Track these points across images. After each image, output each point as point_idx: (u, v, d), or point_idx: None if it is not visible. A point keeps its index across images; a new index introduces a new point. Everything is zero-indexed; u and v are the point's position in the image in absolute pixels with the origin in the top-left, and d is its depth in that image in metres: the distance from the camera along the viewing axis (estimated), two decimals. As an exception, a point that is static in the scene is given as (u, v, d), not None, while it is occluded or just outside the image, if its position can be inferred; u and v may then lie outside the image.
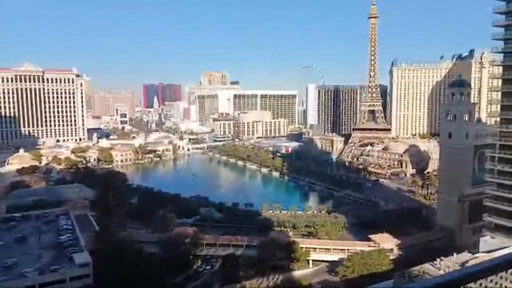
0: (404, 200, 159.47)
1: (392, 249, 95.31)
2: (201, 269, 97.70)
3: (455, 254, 70.44)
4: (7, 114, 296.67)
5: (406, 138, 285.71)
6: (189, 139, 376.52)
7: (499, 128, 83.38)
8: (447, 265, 65.96)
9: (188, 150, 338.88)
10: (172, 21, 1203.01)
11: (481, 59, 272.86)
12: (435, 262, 68.16)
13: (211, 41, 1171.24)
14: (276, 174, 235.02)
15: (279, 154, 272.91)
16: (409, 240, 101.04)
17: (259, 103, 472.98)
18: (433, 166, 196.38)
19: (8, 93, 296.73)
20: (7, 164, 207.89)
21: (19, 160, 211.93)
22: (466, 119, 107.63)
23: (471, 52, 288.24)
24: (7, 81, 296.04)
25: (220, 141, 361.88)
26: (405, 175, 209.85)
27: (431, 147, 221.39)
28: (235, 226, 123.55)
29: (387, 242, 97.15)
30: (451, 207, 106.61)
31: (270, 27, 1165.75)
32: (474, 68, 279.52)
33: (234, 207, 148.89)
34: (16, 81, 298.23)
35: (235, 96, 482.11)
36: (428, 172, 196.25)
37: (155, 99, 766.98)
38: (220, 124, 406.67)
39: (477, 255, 70.60)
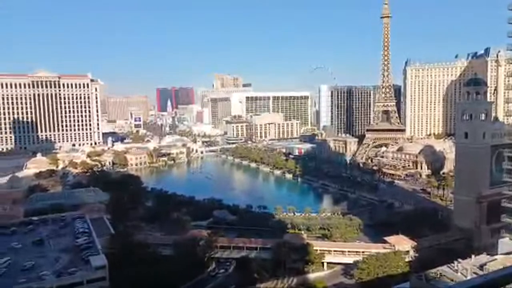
0: (419, 201, 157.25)
1: (408, 251, 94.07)
2: (216, 271, 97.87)
3: (473, 256, 69.10)
4: (25, 119, 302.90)
5: (421, 139, 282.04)
6: (202, 142, 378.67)
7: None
8: (465, 267, 64.73)
9: (202, 152, 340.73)
10: (184, 24, 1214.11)
11: (497, 57, 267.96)
12: (452, 264, 66.94)
13: (223, 44, 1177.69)
14: (289, 176, 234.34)
15: (292, 156, 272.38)
16: (426, 241, 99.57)
17: (271, 105, 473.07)
18: (449, 166, 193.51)
19: (25, 98, 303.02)
20: (25, 168, 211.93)
21: (36, 165, 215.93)
22: (483, 118, 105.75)
23: (487, 50, 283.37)
24: (24, 87, 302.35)
25: (233, 143, 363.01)
26: (420, 176, 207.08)
27: (447, 147, 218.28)
28: (249, 228, 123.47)
29: (402, 244, 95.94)
30: (468, 208, 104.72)
31: (282, 28, 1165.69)
32: (490, 67, 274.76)
33: (248, 209, 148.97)
34: (33, 86, 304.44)
35: (247, 98, 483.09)
36: (443, 173, 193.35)
37: (169, 102, 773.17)
38: (233, 126, 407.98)
39: (495, 257, 69.10)
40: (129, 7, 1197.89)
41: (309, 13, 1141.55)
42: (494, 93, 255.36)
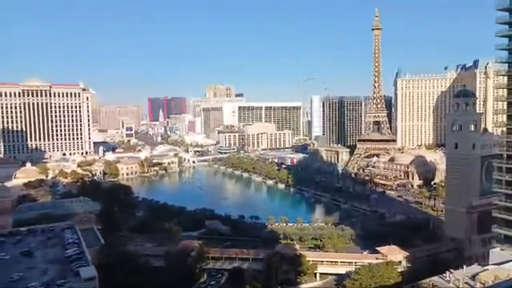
0: (411, 211, 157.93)
1: (400, 262, 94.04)
2: (207, 283, 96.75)
3: (465, 266, 69.35)
4: (15, 128, 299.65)
5: (412, 149, 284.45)
6: (195, 152, 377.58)
7: (506, 138, 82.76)
8: (457, 277, 64.92)
9: (194, 162, 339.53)
10: (176, 34, 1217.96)
11: (485, 69, 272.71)
12: (444, 274, 67.12)
13: (215, 54, 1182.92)
14: (281, 186, 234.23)
15: (284, 166, 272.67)
16: (417, 252, 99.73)
17: (263, 115, 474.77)
18: (440, 177, 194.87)
19: (16, 107, 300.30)
20: (14, 178, 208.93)
21: (25, 174, 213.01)
22: (472, 129, 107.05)
23: (476, 62, 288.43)
24: (15, 95, 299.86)
25: (225, 153, 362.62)
26: (412, 186, 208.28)
27: (438, 158, 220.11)
28: (241, 239, 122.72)
29: (395, 254, 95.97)
30: (459, 219, 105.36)
31: (274, 39, 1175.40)
32: (479, 78, 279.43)
33: (240, 219, 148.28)
34: (24, 95, 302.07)
35: (239, 108, 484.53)
36: (435, 183, 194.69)
37: (161, 112, 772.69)
38: (225, 136, 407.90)
39: (487, 267, 69.44)
40: (121, 17, 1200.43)
41: (300, 24, 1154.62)
42: (483, 104, 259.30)
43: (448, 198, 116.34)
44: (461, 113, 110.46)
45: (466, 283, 62.72)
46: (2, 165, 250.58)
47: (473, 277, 63.12)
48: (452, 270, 67.63)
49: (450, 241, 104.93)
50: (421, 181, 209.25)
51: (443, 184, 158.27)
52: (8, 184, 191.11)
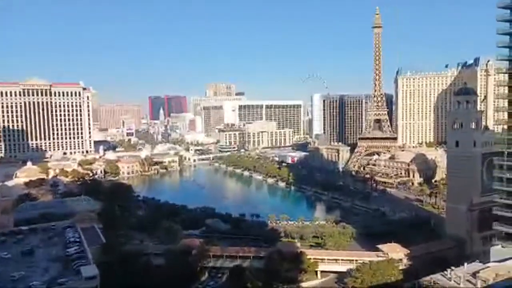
0: (412, 209, 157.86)
1: (401, 259, 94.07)
2: (208, 281, 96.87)
3: (465, 264, 69.32)
4: (15, 127, 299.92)
5: (413, 147, 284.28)
6: (195, 150, 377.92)
7: (507, 136, 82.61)
8: (458, 275, 64.85)
9: (194, 161, 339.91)
10: (177, 33, 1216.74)
11: (486, 66, 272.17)
12: (445, 272, 67.04)
13: (216, 52, 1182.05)
14: (282, 184, 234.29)
15: (285, 164, 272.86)
16: (418, 249, 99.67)
17: (264, 113, 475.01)
18: (440, 174, 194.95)
19: (16, 106, 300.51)
20: (15, 177, 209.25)
21: (26, 173, 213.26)
22: (473, 127, 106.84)
23: (476, 59, 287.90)
24: (15, 95, 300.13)
25: (225, 151, 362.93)
26: (413, 184, 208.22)
27: (438, 156, 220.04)
28: (242, 237, 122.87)
29: (396, 252, 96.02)
30: (460, 216, 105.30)
31: (274, 37, 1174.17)
32: (480, 76, 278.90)
33: (241, 218, 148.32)
34: (24, 95, 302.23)
35: (240, 106, 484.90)
36: (435, 181, 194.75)
37: (161, 111, 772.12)
38: (226, 134, 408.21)
39: (488, 264, 69.41)
40: (122, 16, 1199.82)
41: (301, 23, 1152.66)
42: (483, 102, 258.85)
43: (449, 196, 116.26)
44: (462, 111, 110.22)
45: (467, 280, 62.68)
46: (3, 164, 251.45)
47: (474, 275, 63.07)
48: (453, 268, 67.58)
49: (451, 238, 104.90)
50: (422, 179, 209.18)
51: (443, 181, 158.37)
52: (9, 183, 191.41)
